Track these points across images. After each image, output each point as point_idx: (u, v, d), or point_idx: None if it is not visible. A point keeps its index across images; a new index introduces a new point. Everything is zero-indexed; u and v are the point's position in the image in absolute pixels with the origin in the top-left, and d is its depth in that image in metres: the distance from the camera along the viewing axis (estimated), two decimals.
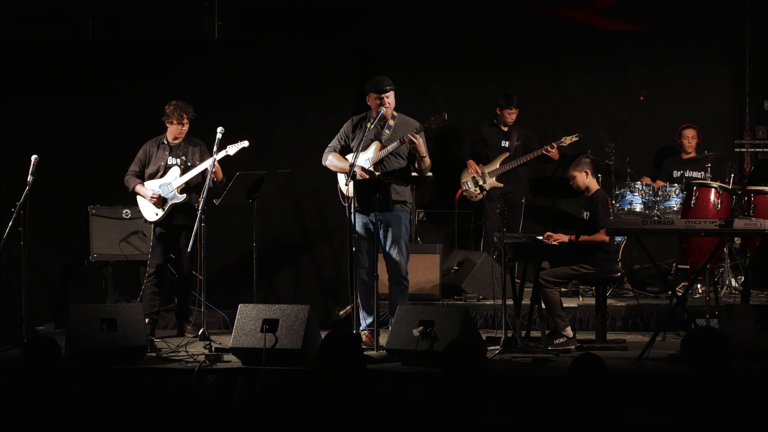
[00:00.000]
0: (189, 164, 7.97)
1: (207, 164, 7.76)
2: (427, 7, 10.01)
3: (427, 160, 7.63)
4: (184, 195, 7.90)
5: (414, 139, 7.45)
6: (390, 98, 7.64)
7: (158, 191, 7.91)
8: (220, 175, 7.83)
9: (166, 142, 8.08)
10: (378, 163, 7.62)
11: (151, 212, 7.98)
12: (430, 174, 7.94)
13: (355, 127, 7.78)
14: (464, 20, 10.02)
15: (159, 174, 8.01)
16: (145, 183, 8.00)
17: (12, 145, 9.14)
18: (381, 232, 7.60)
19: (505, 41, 10.02)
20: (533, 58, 10.10)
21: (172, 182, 7.93)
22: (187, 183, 7.91)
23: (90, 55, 9.42)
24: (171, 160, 8.02)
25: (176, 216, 7.96)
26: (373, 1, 10.05)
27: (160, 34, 9.88)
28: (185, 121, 8.00)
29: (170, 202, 7.91)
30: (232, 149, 7.76)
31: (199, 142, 8.09)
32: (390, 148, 7.58)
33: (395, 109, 7.74)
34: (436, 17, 10.01)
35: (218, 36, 9.95)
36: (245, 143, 7.80)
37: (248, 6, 10.09)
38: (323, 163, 7.82)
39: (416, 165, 7.66)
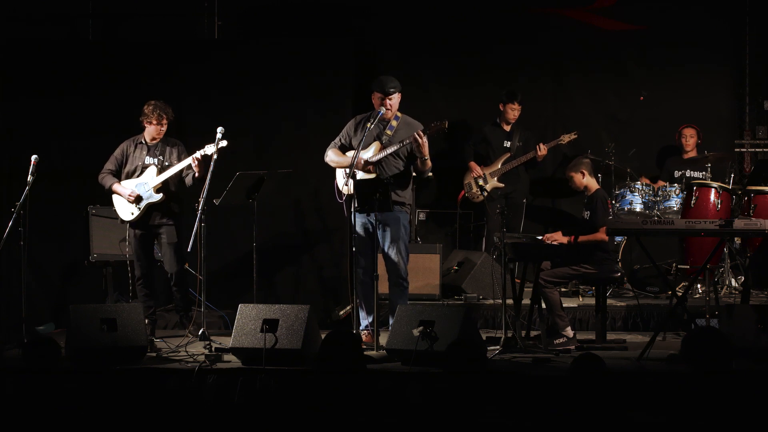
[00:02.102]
0: (166, 164, 7.95)
1: (185, 163, 7.74)
2: (427, 7, 10.01)
3: (429, 162, 7.61)
4: (161, 195, 7.87)
5: (419, 139, 7.42)
6: (393, 100, 7.61)
7: (136, 191, 7.90)
8: (200, 170, 7.73)
9: (143, 141, 8.04)
10: (377, 164, 7.61)
11: (126, 212, 7.95)
12: (430, 174, 7.92)
13: (357, 126, 7.77)
14: (464, 20, 10.01)
15: (136, 174, 7.98)
16: (121, 182, 7.98)
17: (12, 145, 9.15)
18: (379, 232, 7.59)
19: (505, 41, 10.02)
20: (533, 58, 10.10)
21: (148, 182, 7.91)
22: (163, 183, 7.89)
23: (90, 55, 9.43)
24: (148, 160, 7.99)
25: (152, 215, 7.92)
26: (373, 1, 10.05)
27: (160, 34, 9.88)
28: (164, 121, 7.97)
29: (146, 202, 7.89)
30: (209, 148, 7.69)
31: (176, 143, 8.07)
32: (390, 149, 7.56)
33: (399, 110, 7.73)
34: (436, 17, 10.01)
35: (218, 36, 9.95)
36: (223, 143, 7.74)
37: (248, 6, 10.09)
38: (325, 159, 7.82)
39: (418, 165, 7.64)
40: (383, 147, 7.61)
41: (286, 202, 9.19)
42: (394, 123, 7.69)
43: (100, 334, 6.89)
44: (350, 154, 7.64)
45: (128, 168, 8.01)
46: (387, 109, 7.60)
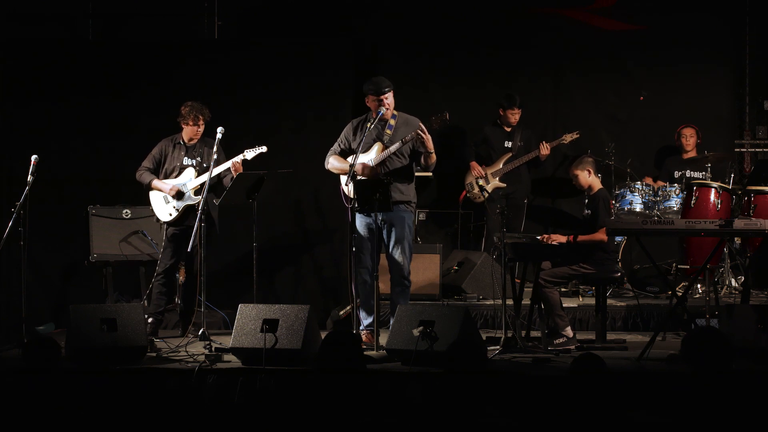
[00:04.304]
0: (204, 165, 7.96)
1: (224, 167, 7.73)
2: (427, 7, 10.01)
3: (434, 156, 7.57)
4: (199, 196, 7.88)
5: (422, 134, 7.39)
6: (389, 99, 7.60)
7: (177, 186, 7.90)
8: (241, 170, 7.81)
9: (181, 142, 8.07)
10: (380, 164, 7.59)
11: (164, 212, 7.97)
12: (429, 174, 7.90)
13: (355, 130, 7.72)
14: (464, 20, 10.02)
15: (174, 174, 8.00)
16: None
17: (12, 145, 9.15)
18: (384, 232, 7.58)
19: (505, 41, 10.02)
20: (533, 58, 10.10)
21: (187, 183, 7.92)
22: (201, 184, 7.89)
23: (90, 55, 9.42)
24: (186, 161, 8.01)
25: (189, 217, 7.92)
26: (373, 1, 10.05)
27: (160, 34, 9.88)
28: (201, 122, 7.99)
29: (185, 203, 7.90)
30: (249, 154, 7.75)
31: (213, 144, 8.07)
32: (392, 148, 7.53)
33: (395, 108, 7.72)
34: (436, 17, 10.01)
35: (218, 36, 9.95)
36: (263, 149, 7.77)
37: (248, 6, 10.10)
38: (326, 166, 7.79)
39: (423, 161, 7.57)
40: (385, 147, 7.59)
41: (286, 202, 9.19)
42: (392, 122, 7.66)
43: (100, 334, 6.88)
44: (352, 158, 7.61)
45: (166, 167, 8.03)
46: (387, 109, 7.59)
